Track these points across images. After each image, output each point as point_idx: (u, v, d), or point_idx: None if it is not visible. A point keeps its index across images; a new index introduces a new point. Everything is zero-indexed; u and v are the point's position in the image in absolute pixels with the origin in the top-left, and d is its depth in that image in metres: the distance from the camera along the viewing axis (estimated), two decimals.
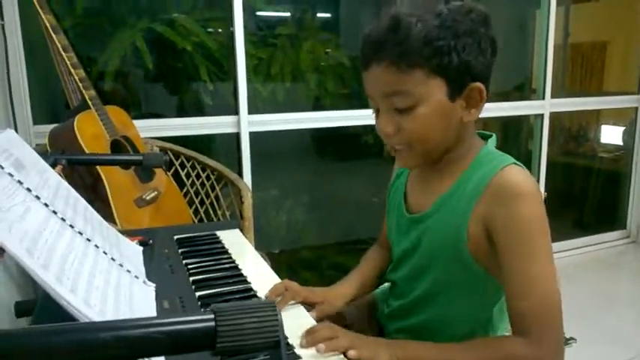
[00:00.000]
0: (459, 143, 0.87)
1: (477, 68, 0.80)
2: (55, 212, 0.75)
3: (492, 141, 0.90)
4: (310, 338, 0.75)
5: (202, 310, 0.83)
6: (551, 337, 0.77)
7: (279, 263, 2.56)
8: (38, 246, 0.62)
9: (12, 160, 0.75)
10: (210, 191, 1.85)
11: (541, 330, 0.76)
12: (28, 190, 0.72)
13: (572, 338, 2.16)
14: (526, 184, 0.80)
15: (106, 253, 0.80)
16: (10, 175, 0.71)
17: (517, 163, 0.84)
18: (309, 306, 0.88)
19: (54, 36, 1.50)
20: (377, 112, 0.86)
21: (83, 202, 0.90)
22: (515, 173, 0.81)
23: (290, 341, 0.77)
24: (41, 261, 0.60)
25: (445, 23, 0.77)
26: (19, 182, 0.72)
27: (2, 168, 0.70)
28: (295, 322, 0.82)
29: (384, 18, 0.79)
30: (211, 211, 1.85)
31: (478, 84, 0.81)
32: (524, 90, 3.17)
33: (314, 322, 0.83)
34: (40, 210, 0.71)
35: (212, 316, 0.40)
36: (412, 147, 0.84)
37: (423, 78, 0.78)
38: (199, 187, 1.87)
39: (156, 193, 1.62)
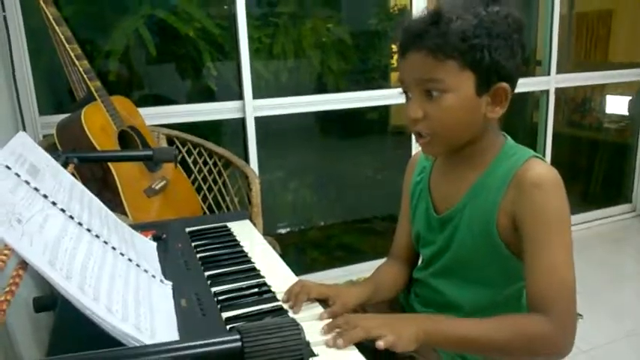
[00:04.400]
0: (481, 138, 0.92)
1: (505, 69, 0.85)
2: (71, 217, 0.76)
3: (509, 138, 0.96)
4: (332, 335, 0.75)
5: (219, 307, 0.85)
6: (569, 319, 0.81)
7: (287, 244, 2.58)
8: (59, 256, 0.63)
9: (27, 167, 0.75)
10: (217, 178, 1.86)
11: (560, 311, 0.80)
12: (45, 196, 0.73)
13: (579, 315, 2.18)
14: (547, 176, 0.86)
15: (122, 255, 0.81)
16: (27, 182, 0.72)
17: (537, 155, 0.90)
18: (325, 303, 0.89)
19: (57, 28, 1.49)
20: (407, 98, 0.91)
21: (97, 201, 0.91)
22: (537, 165, 0.87)
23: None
24: (64, 272, 0.61)
25: (482, 24, 0.82)
26: (36, 189, 0.73)
27: (19, 176, 0.71)
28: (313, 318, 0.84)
29: (427, 12, 0.86)
30: (219, 198, 1.87)
31: (504, 84, 0.86)
32: (529, 63, 3.13)
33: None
34: (57, 216, 0.72)
35: (238, 336, 0.41)
36: (436, 135, 0.89)
37: (455, 69, 0.83)
38: (207, 174, 1.88)
39: (164, 182, 1.63)
